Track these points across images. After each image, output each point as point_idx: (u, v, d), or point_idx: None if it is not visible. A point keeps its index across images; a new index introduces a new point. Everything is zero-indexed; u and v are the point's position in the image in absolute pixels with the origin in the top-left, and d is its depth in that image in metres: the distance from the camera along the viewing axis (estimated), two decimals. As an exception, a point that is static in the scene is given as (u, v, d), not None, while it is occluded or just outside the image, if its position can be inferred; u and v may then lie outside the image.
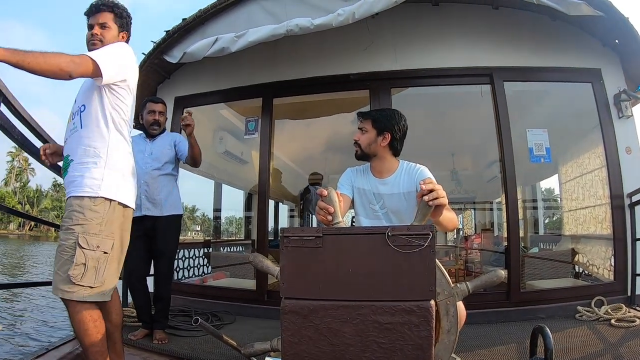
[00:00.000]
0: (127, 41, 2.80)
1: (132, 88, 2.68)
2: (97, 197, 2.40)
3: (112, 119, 2.55)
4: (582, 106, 5.07)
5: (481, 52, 4.74)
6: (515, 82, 4.82)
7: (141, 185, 3.66)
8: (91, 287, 2.35)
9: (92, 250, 2.36)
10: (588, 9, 3.75)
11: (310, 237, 1.43)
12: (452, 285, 1.66)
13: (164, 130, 4.04)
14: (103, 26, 2.65)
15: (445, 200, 1.78)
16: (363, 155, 2.71)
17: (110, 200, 2.46)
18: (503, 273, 1.70)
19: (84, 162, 2.47)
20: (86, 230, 2.36)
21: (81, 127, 2.54)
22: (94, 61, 2.33)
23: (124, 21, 2.77)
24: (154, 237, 3.77)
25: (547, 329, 1.57)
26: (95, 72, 2.36)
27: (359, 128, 2.74)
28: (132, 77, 2.67)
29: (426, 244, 1.34)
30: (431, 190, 1.73)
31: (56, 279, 2.33)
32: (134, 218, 3.61)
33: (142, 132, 4.05)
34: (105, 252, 2.42)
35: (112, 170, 2.51)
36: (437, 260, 1.58)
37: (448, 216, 2.13)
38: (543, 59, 4.68)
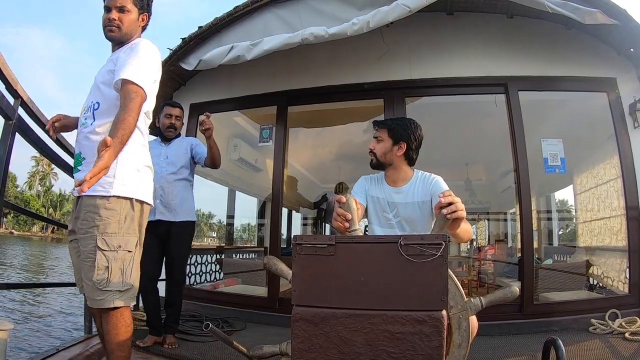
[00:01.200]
0: (147, 23, 2.63)
1: (157, 83, 2.56)
2: (110, 196, 2.24)
3: None
4: (597, 116, 5.02)
5: (496, 61, 4.73)
6: (529, 92, 4.77)
7: (156, 190, 3.54)
8: (120, 291, 2.22)
9: (113, 251, 2.22)
10: (603, 17, 3.72)
11: (323, 245, 1.43)
12: (466, 299, 1.65)
13: (179, 134, 4.07)
14: (122, 10, 2.43)
15: (463, 214, 1.76)
16: (378, 165, 2.70)
17: (125, 198, 2.30)
18: (517, 290, 1.68)
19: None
20: (104, 230, 2.21)
21: (92, 124, 2.37)
22: (140, 89, 2.23)
23: (144, 2, 2.54)
24: (167, 241, 3.77)
25: (560, 342, 1.55)
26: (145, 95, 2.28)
27: (374, 137, 2.71)
28: (159, 75, 2.56)
29: (439, 254, 1.33)
30: (450, 203, 1.72)
31: (86, 288, 2.23)
32: (148, 222, 3.64)
33: (157, 136, 4.05)
34: (129, 251, 2.29)
35: (126, 165, 2.33)
36: (451, 273, 1.58)
37: (464, 228, 2.10)
38: (558, 69, 4.65)
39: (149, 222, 3.56)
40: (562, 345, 1.53)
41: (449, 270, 1.57)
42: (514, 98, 4.60)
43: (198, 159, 3.96)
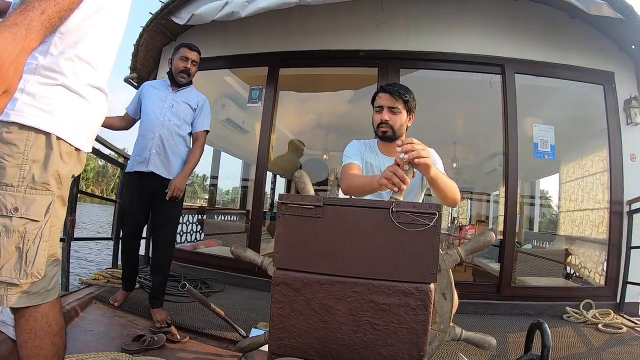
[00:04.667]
0: None
1: None
2: (10, 122, 1.40)
3: None
4: (591, 108, 5.05)
5: (495, 41, 4.66)
6: (526, 76, 4.73)
7: (153, 138, 3.29)
8: (16, 285, 1.43)
9: (6, 216, 1.40)
10: (609, 10, 3.70)
11: (310, 206, 1.35)
12: (451, 324, 1.59)
13: (191, 82, 3.60)
14: None
15: (429, 161, 1.68)
16: (393, 137, 2.47)
17: (38, 130, 1.44)
18: (495, 342, 1.61)
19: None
20: None
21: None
22: None
23: None
24: (159, 200, 3.33)
25: (546, 325, 1.51)
26: None
27: (390, 107, 2.47)
28: None
29: (431, 224, 1.27)
30: (412, 149, 1.62)
31: None
32: (138, 172, 3.36)
33: (168, 79, 3.58)
34: (34, 220, 1.45)
35: (53, 76, 1.47)
36: (455, 290, 1.52)
37: (447, 183, 2.01)
38: (557, 56, 4.62)
39: (140, 174, 3.34)
40: (547, 329, 1.49)
41: (453, 287, 1.51)
42: (510, 80, 4.57)
43: (193, 127, 3.55)
